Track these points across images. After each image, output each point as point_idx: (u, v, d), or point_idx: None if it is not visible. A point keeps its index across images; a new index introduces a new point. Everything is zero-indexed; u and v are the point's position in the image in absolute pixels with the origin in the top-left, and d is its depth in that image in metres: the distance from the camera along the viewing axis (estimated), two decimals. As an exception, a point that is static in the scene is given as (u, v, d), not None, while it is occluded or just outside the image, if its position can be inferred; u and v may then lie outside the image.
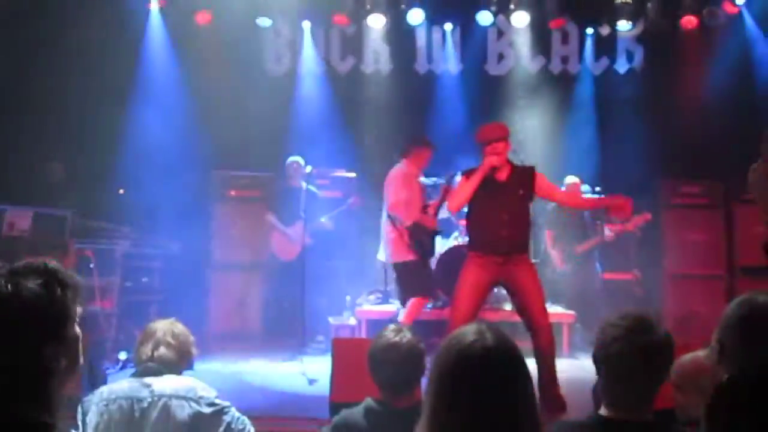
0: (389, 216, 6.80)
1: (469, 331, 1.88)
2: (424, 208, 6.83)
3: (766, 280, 7.06)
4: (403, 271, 6.84)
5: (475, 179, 5.44)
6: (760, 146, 5.73)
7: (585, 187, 8.50)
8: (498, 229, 5.41)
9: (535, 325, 5.37)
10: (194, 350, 3.33)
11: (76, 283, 1.76)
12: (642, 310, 2.35)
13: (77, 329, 1.77)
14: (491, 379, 1.80)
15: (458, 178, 5.87)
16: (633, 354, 2.23)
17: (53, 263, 1.75)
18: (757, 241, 8.16)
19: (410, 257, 6.72)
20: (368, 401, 2.88)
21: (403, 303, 6.88)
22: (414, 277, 6.75)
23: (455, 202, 5.71)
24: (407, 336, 2.90)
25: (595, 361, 2.33)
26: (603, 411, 2.31)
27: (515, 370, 1.84)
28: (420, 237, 6.71)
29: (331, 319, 8.17)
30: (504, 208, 5.44)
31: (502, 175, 5.49)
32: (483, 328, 1.88)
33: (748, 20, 9.00)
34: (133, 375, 3.20)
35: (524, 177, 5.55)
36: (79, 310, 1.77)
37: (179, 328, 3.29)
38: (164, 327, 3.25)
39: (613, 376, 2.27)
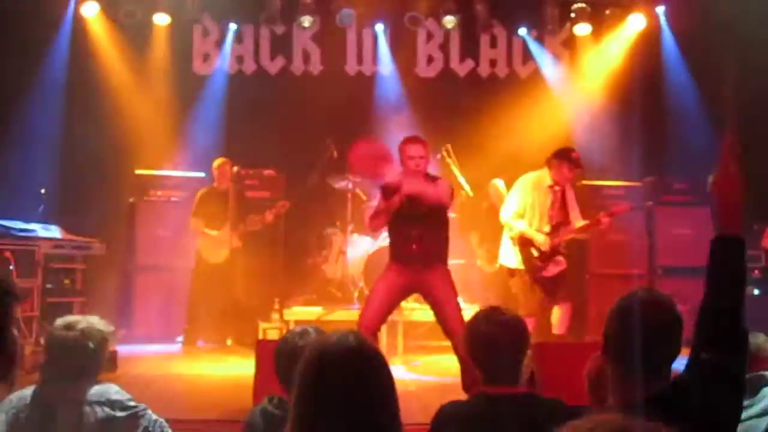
0: None
1: (332, 335, 2.00)
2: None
3: (683, 278, 7.28)
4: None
5: (388, 210, 5.51)
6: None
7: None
8: (408, 244, 5.47)
9: (452, 334, 5.44)
10: (111, 352, 3.15)
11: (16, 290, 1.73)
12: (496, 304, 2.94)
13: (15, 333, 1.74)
14: (351, 378, 1.89)
15: (376, 199, 5.91)
16: (492, 332, 2.73)
17: None
18: (678, 242, 8.47)
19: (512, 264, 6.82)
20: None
21: None
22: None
23: (372, 226, 5.99)
24: (311, 338, 2.86)
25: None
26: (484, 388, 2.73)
27: (375, 370, 1.94)
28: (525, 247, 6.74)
29: (259, 321, 8.08)
30: (413, 224, 5.45)
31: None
32: (347, 332, 2.00)
33: (664, 27, 9.29)
34: (43, 380, 2.98)
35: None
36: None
37: (93, 328, 2.99)
38: (79, 328, 2.95)
39: (483, 353, 2.76)
